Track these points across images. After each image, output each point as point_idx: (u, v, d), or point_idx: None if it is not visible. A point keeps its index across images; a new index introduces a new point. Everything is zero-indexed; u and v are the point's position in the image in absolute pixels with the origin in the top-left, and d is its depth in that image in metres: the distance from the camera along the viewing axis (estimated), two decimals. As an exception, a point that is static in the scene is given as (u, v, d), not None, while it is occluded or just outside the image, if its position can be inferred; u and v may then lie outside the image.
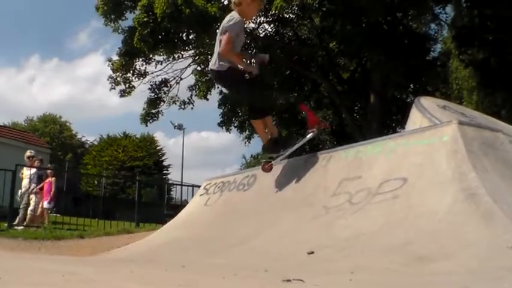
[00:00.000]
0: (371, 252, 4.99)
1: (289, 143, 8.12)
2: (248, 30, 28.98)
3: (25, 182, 16.57)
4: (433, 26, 33.60)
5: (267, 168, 8.12)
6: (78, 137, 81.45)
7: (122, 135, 59.00)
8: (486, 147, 6.05)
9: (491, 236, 4.43)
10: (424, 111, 8.00)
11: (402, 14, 28.17)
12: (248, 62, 8.02)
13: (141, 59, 29.45)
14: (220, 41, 7.56)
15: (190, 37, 26.73)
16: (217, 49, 7.72)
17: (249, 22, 6.81)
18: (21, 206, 16.45)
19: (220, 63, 7.62)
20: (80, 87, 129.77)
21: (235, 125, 33.67)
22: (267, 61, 8.07)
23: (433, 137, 6.25)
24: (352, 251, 5.22)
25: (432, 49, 32.03)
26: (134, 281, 4.10)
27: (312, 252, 5.41)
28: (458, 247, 4.44)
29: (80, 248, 10.85)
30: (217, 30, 8.08)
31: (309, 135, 7.93)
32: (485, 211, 4.76)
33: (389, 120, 33.34)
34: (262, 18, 29.09)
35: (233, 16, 7.57)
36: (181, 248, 7.54)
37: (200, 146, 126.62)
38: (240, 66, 7.59)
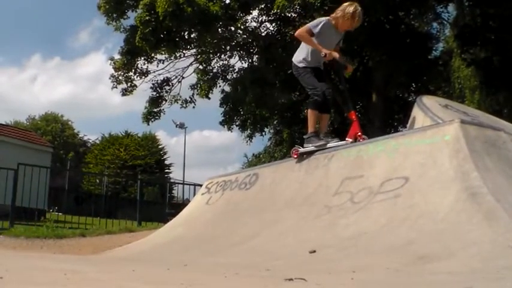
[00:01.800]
0: (373, 252, 4.98)
1: (323, 141, 8.24)
2: (250, 29, 29.01)
3: None
4: (435, 25, 33.56)
5: (294, 154, 8.38)
6: (79, 135, 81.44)
7: (123, 134, 59.00)
8: (488, 146, 6.05)
9: (493, 235, 4.43)
10: (426, 110, 7.99)
11: (404, 13, 28.11)
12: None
13: (142, 58, 29.40)
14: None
15: (192, 36, 26.69)
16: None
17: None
18: None
19: (296, 58, 8.66)
20: (81, 86, 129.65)
21: (237, 123, 33.56)
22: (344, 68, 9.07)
23: (435, 136, 6.25)
24: (354, 250, 5.22)
25: (434, 48, 31.95)
26: (136, 280, 4.10)
27: (314, 251, 5.41)
28: (461, 246, 4.43)
29: (81, 247, 10.87)
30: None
31: (342, 142, 8.09)
32: (488, 210, 4.76)
33: (391, 119, 33.30)
34: (264, 17, 29.07)
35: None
36: (183, 247, 7.54)
37: (202, 144, 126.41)
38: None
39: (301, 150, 8.22)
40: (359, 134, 7.96)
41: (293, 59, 8.69)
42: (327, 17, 8.47)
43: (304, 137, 8.59)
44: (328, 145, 8.04)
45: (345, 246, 5.37)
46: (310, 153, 8.09)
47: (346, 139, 8.06)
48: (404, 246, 4.81)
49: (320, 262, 5.07)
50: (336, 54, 8.17)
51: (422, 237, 4.88)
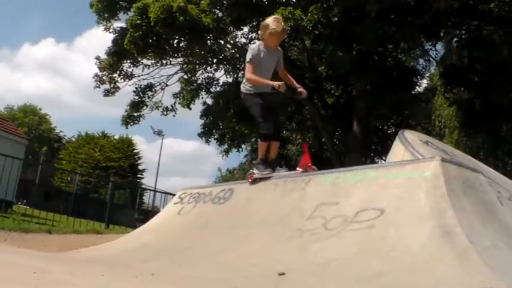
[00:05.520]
0: (342, 280, 4.96)
1: (274, 169, 8.36)
2: (239, 45, 29.10)
3: None
4: (421, 61, 33.90)
5: (249, 178, 8.38)
6: (56, 131, 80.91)
7: (100, 134, 58.73)
8: (466, 186, 6.08)
9: (465, 276, 4.43)
10: (407, 145, 8.04)
11: (393, 46, 28.36)
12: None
13: (129, 61, 29.39)
14: None
15: (181, 45, 26.73)
16: None
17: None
18: None
19: (243, 86, 8.52)
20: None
21: (215, 137, 33.61)
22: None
23: (414, 171, 6.26)
24: (324, 276, 5.19)
25: (418, 84, 32.30)
26: (107, 286, 4.04)
27: (283, 274, 5.37)
28: (431, 284, 4.43)
29: (47, 243, 10.69)
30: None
31: (291, 172, 8.27)
32: (461, 251, 4.77)
33: (368, 149, 33.50)
34: (254, 34, 29.19)
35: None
36: (151, 254, 7.46)
37: (175, 154, 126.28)
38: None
39: (256, 175, 8.22)
40: (309, 164, 8.03)
41: (241, 87, 8.62)
42: (257, 42, 8.52)
43: (253, 162, 8.73)
44: (275, 174, 8.16)
45: (314, 272, 5.35)
46: (264, 179, 8.20)
47: (297, 169, 8.17)
48: (374, 278, 4.80)
49: (288, 285, 5.04)
50: (284, 85, 7.99)
51: (394, 270, 4.87)
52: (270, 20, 8.21)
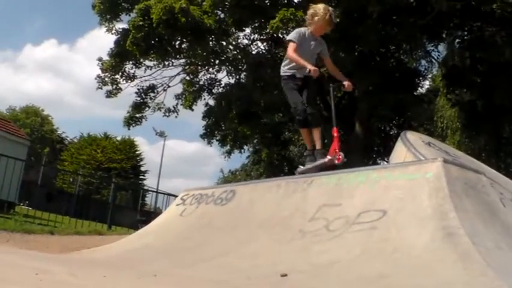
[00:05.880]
0: (345, 281, 4.96)
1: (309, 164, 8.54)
2: (241, 46, 29.06)
3: None
4: (423, 62, 33.84)
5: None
6: (58, 132, 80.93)
7: (102, 135, 58.78)
8: (468, 188, 6.06)
9: (467, 277, 4.42)
10: (410, 146, 8.03)
11: (395, 47, 28.31)
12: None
13: (131, 62, 29.37)
14: None
15: (183, 46, 26.70)
16: None
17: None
18: None
19: (282, 68, 8.66)
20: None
21: (218, 138, 33.55)
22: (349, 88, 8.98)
23: (417, 173, 6.24)
24: (326, 278, 5.18)
25: (420, 85, 32.23)
26: (109, 287, 4.04)
27: (285, 275, 5.37)
28: (434, 285, 4.42)
29: (49, 245, 10.70)
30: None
31: (325, 160, 8.31)
32: (463, 252, 4.76)
33: (371, 151, 33.45)
34: (256, 35, 29.16)
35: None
36: (153, 256, 7.46)
37: (179, 155, 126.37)
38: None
39: (299, 169, 8.31)
40: (336, 150, 8.03)
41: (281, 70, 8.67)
42: (304, 27, 8.58)
43: (304, 153, 8.93)
44: (317, 163, 8.24)
45: (316, 273, 5.34)
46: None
47: (327, 157, 8.13)
48: (377, 279, 4.79)
49: (290, 286, 5.03)
50: (317, 71, 8.11)
51: (396, 272, 4.86)
52: (319, 7, 8.29)
